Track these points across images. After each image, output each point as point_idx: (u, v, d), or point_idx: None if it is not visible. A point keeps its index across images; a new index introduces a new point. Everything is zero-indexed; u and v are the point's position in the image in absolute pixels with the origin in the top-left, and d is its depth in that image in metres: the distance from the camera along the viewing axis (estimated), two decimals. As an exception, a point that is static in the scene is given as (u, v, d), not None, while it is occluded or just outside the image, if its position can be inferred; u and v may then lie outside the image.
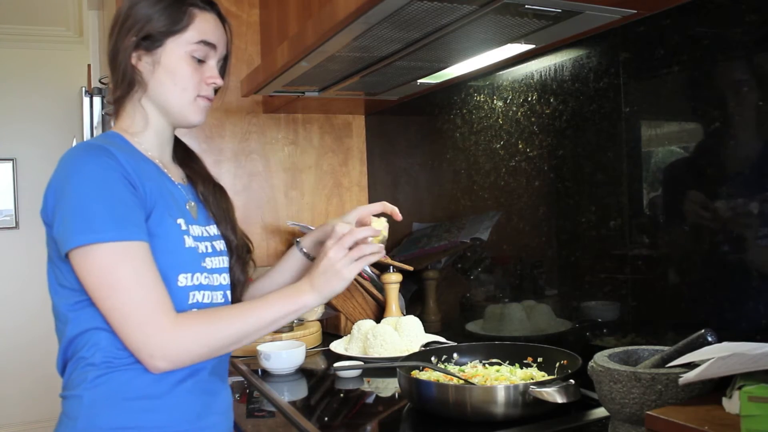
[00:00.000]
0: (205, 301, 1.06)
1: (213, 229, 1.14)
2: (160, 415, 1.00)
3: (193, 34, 1.07)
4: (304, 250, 1.25)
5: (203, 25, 1.08)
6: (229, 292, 1.13)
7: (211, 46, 1.09)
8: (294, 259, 1.26)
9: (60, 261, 0.99)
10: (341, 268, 1.02)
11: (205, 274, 1.06)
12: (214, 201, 1.17)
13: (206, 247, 1.09)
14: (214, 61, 1.11)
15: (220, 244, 1.13)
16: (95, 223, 0.92)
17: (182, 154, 1.21)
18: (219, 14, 1.12)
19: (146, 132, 1.10)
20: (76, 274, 0.95)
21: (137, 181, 0.98)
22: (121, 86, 1.08)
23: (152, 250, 0.98)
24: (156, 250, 0.98)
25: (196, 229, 1.08)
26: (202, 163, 1.23)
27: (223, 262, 1.13)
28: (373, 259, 1.05)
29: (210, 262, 1.08)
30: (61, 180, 0.96)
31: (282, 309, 1.02)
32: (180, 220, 1.05)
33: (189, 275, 1.03)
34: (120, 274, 0.92)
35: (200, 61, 1.09)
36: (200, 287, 1.05)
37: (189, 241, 1.04)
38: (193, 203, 1.13)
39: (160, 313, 0.93)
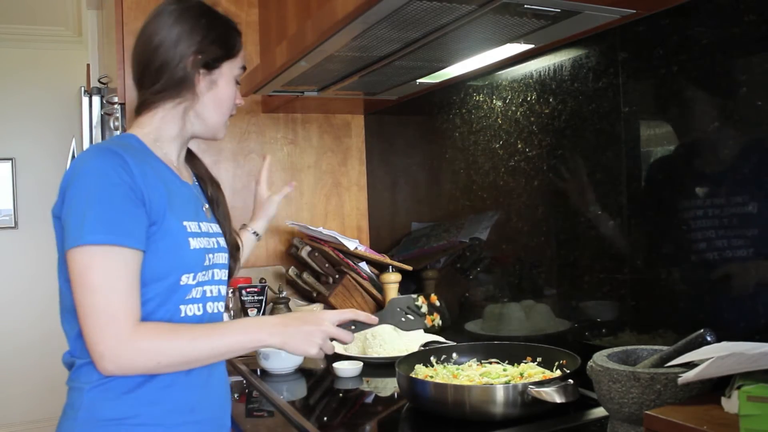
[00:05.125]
0: (208, 295, 1.09)
1: (216, 227, 1.18)
2: (156, 408, 1.01)
3: (240, 60, 1.16)
4: (258, 233, 1.55)
5: (241, 51, 1.17)
6: (225, 287, 1.17)
7: (244, 69, 1.18)
8: (247, 240, 1.51)
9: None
10: (319, 341, 1.05)
11: (210, 271, 1.10)
12: (220, 202, 1.23)
13: (214, 243, 1.12)
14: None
15: (222, 241, 1.17)
16: (85, 226, 0.94)
17: (186, 155, 1.24)
18: None
19: (174, 139, 1.14)
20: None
21: (144, 188, 0.99)
22: (167, 91, 1.09)
23: (159, 252, 1.00)
24: (162, 252, 1.01)
25: (206, 228, 1.12)
26: (204, 164, 1.27)
27: (224, 258, 1.17)
28: (336, 345, 1.15)
29: (214, 258, 1.12)
30: (68, 180, 0.99)
31: (240, 342, 1.02)
32: (186, 223, 1.07)
33: (191, 275, 1.05)
34: (93, 276, 0.94)
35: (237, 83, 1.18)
36: (202, 283, 1.08)
37: (194, 243, 1.06)
38: (206, 205, 1.19)
39: (121, 319, 0.94)
